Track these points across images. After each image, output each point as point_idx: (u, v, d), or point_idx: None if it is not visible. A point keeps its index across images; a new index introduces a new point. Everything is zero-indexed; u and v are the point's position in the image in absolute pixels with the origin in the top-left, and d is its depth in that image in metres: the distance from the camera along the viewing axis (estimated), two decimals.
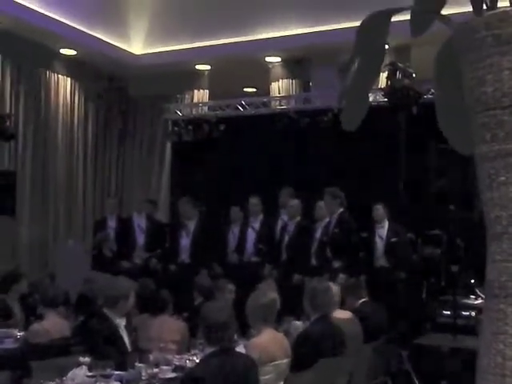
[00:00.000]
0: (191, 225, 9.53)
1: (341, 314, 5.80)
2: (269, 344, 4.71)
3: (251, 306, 4.81)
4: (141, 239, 9.79)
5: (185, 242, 9.47)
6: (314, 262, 8.55)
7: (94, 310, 5.53)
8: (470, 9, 1.72)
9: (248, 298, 4.91)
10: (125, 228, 9.87)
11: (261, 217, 9.34)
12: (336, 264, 8.21)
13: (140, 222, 9.90)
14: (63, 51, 10.51)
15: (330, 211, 8.50)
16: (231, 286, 6.58)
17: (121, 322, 5.07)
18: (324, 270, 8.14)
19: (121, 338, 5.01)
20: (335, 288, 5.90)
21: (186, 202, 9.61)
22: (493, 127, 1.52)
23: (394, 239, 8.49)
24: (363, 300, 6.73)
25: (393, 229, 8.58)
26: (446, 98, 1.88)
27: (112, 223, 9.97)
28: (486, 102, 1.53)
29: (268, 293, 4.99)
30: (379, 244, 8.60)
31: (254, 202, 9.30)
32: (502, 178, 1.50)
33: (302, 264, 8.53)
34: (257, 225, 9.30)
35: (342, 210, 8.45)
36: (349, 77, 1.93)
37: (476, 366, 1.57)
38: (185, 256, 9.44)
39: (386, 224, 8.64)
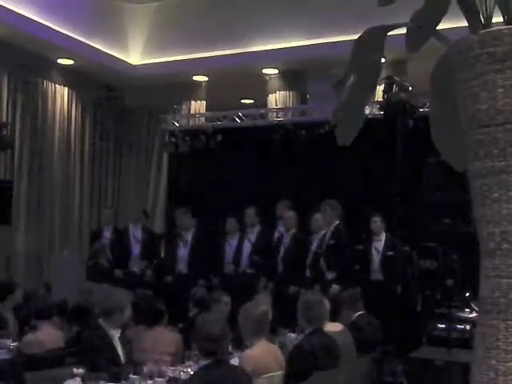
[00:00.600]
0: (188, 235, 9.53)
1: (332, 327, 5.78)
2: (263, 356, 4.70)
3: (243, 319, 4.80)
4: (136, 250, 9.79)
5: (182, 252, 9.47)
6: (308, 274, 8.55)
7: (89, 321, 5.51)
8: (466, 23, 1.73)
9: (240, 311, 4.90)
10: (121, 239, 9.88)
11: (257, 228, 9.35)
12: (330, 276, 8.20)
13: (136, 232, 9.90)
14: (61, 61, 10.53)
15: (327, 223, 8.51)
16: (226, 298, 6.57)
17: (115, 334, 5.06)
18: (317, 282, 8.13)
19: (115, 349, 5.00)
20: (326, 301, 5.89)
21: (184, 213, 9.61)
22: (487, 144, 1.53)
23: (390, 253, 8.49)
24: (360, 313, 6.71)
25: (390, 242, 8.58)
26: (441, 113, 1.90)
27: (108, 234, 9.97)
28: (481, 119, 1.54)
29: (259, 305, 4.98)
30: (375, 257, 8.61)
31: (251, 213, 9.31)
32: (495, 195, 1.51)
33: (298, 276, 8.53)
34: (253, 236, 9.30)
35: (338, 222, 8.47)
36: (344, 92, 1.95)
37: (469, 380, 1.58)
38: (182, 266, 9.43)
39: (384, 237, 8.64)
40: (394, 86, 8.42)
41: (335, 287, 7.90)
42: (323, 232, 8.58)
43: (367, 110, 9.13)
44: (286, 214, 9.02)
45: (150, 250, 9.82)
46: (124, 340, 5.19)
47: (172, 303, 5.96)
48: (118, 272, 9.51)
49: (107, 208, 11.02)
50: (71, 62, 10.55)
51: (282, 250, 8.91)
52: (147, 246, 9.82)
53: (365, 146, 7.64)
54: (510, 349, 1.46)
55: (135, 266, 9.70)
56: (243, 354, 4.77)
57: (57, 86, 10.86)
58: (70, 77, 10.93)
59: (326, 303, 5.71)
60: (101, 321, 5.06)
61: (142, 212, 10.36)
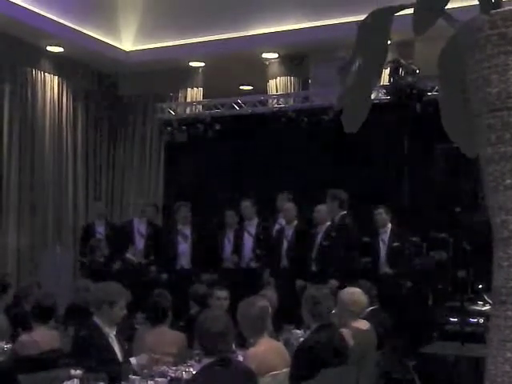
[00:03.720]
0: (186, 230, 9.54)
1: (359, 325, 5.75)
2: (267, 354, 4.72)
3: (242, 316, 4.81)
4: (140, 245, 9.78)
5: (182, 247, 9.49)
6: (314, 267, 8.55)
7: (84, 320, 5.52)
8: (475, 2, 1.74)
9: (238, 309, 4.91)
10: (123, 233, 9.87)
11: (255, 220, 9.36)
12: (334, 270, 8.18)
13: (140, 227, 9.88)
14: (50, 48, 10.52)
15: (330, 214, 8.51)
16: (225, 293, 6.59)
17: (111, 332, 5.07)
18: (325, 276, 8.13)
19: (111, 348, 5.02)
20: (360, 293, 5.87)
21: (184, 206, 9.62)
22: (498, 129, 1.54)
23: (396, 244, 8.50)
24: (373, 307, 6.63)
25: (395, 233, 8.59)
26: (451, 98, 1.90)
27: (100, 229, 9.96)
28: (492, 103, 1.55)
29: (257, 301, 4.98)
30: (382, 249, 8.63)
31: (246, 205, 9.32)
32: (508, 182, 1.52)
33: (303, 270, 8.53)
34: (252, 229, 9.32)
35: (343, 212, 8.45)
36: (349, 77, 1.95)
37: (484, 375, 1.60)
38: (184, 262, 9.47)
39: (389, 228, 8.66)
40: (401, 70, 8.44)
41: (334, 283, 7.84)
42: (328, 223, 8.57)
43: (373, 95, 9.13)
44: (285, 206, 9.04)
45: (154, 245, 9.77)
46: (120, 338, 5.20)
47: (173, 300, 5.97)
48: (117, 265, 9.49)
49: (97, 201, 10.99)
50: (61, 49, 10.54)
51: (285, 243, 8.92)
52: (152, 241, 9.78)
53: (371, 133, 7.64)
54: None
55: (139, 261, 9.67)
56: (246, 352, 4.80)
57: (46, 74, 10.85)
58: (60, 65, 10.93)
59: (332, 298, 5.73)
60: (95, 318, 5.08)
61: (150, 206, 10.31)
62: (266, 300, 5.21)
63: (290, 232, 8.95)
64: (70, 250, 10.71)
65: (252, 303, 4.89)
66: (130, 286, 6.27)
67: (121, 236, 9.87)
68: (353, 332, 5.45)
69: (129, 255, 9.57)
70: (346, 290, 5.98)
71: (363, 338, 5.49)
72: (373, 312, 6.57)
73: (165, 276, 9.41)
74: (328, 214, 8.57)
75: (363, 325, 5.79)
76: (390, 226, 8.67)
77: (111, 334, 5.06)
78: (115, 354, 4.99)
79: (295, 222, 8.96)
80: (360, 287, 6.72)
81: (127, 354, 5.19)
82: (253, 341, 4.84)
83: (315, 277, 8.21)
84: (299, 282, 8.36)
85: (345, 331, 5.36)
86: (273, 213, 9.49)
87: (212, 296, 6.52)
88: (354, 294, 5.88)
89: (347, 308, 5.73)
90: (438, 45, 1.95)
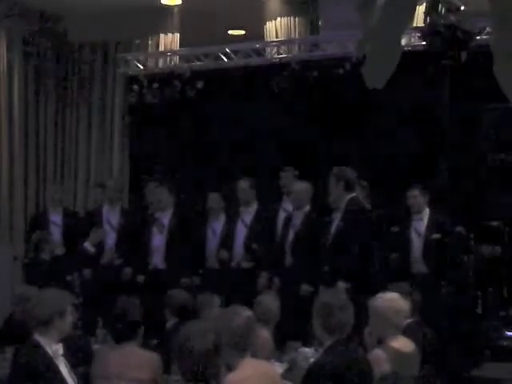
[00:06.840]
0: (165, 218, 9.56)
1: (402, 345, 5.68)
2: (251, 381, 4.68)
3: (220, 331, 4.77)
4: (111, 240, 9.83)
5: (158, 241, 9.53)
6: (327, 267, 8.56)
7: (25, 339, 5.53)
8: None
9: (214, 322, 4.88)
10: (88, 224, 9.88)
11: (254, 206, 9.38)
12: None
13: (111, 216, 9.94)
14: None
15: (335, 198, 8.47)
16: (216, 301, 6.62)
17: (57, 350, 5.06)
18: (337, 278, 8.12)
19: (58, 372, 5.02)
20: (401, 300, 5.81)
21: (158, 187, 9.63)
22: None
23: (436, 236, 8.52)
24: (412, 320, 6.47)
25: (435, 221, 8.61)
26: (508, 41, 1.91)
27: (56, 218, 9.97)
28: None
29: (239, 311, 4.97)
30: (416, 242, 8.64)
31: (245, 186, 9.31)
32: None
33: (313, 270, 8.54)
34: (249, 217, 9.33)
35: (351, 195, 8.36)
36: (374, 14, 1.96)
37: None
38: (158, 260, 9.50)
39: (427, 215, 8.68)
40: (440, 6, 8.42)
41: (341, 285, 7.81)
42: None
43: (404, 40, 9.12)
44: (296, 186, 9.01)
45: (130, 239, 9.81)
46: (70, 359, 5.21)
47: (144, 310, 5.98)
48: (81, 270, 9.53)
49: (54, 184, 10.99)
50: None
51: (292, 234, 8.94)
52: (126, 234, 9.83)
53: (401, 89, 7.64)
54: None
55: (108, 262, 9.73)
56: (225, 379, 4.73)
57: None
58: None
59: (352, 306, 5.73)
60: (37, 335, 5.07)
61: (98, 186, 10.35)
62: (249, 310, 5.18)
63: (298, 220, 8.95)
64: (6, 246, 10.70)
65: (232, 314, 4.88)
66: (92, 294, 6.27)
67: (85, 228, 9.84)
68: (389, 354, 5.42)
69: (86, 245, 9.48)
70: (381, 295, 5.92)
71: (403, 363, 5.44)
72: (412, 326, 6.41)
73: (141, 279, 9.43)
74: (333, 198, 8.51)
75: (405, 345, 5.72)
76: (427, 211, 8.69)
77: (58, 355, 5.05)
78: (63, 379, 5.00)
79: (307, 208, 8.94)
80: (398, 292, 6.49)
81: (83, 381, 5.21)
82: (233, 363, 4.77)
83: (327, 279, 8.19)
84: (304, 287, 8.37)
85: (378, 353, 5.35)
86: (274, 196, 9.49)
87: (201, 304, 6.55)
88: (394, 300, 5.79)
89: (385, 320, 5.66)
90: None
